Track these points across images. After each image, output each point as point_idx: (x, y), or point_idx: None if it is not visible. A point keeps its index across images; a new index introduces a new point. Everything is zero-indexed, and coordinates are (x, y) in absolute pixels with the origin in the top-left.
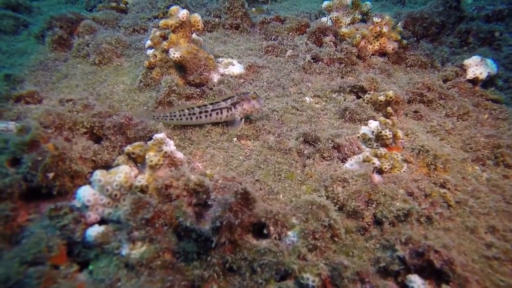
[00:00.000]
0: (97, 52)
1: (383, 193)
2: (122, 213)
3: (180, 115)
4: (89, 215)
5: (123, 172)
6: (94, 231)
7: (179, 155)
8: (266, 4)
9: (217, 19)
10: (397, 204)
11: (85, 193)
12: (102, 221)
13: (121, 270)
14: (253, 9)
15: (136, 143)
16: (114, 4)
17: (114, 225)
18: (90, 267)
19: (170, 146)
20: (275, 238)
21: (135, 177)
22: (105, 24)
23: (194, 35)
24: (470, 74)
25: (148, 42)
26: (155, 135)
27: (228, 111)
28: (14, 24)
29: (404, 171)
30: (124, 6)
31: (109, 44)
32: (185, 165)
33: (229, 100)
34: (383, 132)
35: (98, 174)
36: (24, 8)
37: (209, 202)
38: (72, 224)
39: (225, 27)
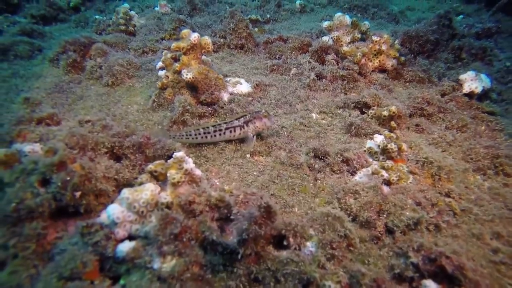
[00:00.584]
0: (110, 74)
1: (393, 204)
2: (150, 229)
3: (195, 134)
4: (118, 232)
5: (149, 190)
6: (126, 247)
7: (198, 172)
8: (267, 24)
9: (222, 40)
10: (407, 213)
11: (115, 210)
12: (129, 237)
13: (154, 283)
14: (256, 29)
15: (158, 162)
16: (123, 27)
17: (143, 241)
18: (122, 281)
19: (190, 163)
20: (295, 248)
21: (159, 194)
22: (115, 46)
23: (203, 56)
24: (466, 89)
25: (160, 64)
26: (175, 153)
27: (241, 129)
28: (29, 49)
29: (410, 182)
30: (133, 28)
31: (121, 66)
32: (204, 181)
33: (242, 118)
34: (389, 146)
35: (126, 192)
36: (38, 34)
37: (231, 217)
38: (104, 240)
39: (231, 47)
